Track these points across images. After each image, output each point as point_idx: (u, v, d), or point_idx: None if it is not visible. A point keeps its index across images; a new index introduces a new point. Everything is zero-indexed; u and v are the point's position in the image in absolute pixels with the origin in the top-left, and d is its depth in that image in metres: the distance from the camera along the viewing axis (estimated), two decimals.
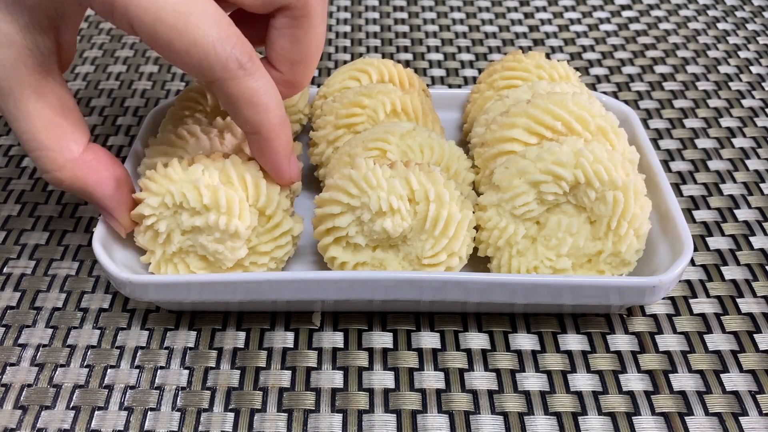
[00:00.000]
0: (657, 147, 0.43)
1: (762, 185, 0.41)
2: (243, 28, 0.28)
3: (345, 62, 0.50)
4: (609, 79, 0.50)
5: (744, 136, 0.44)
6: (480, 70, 0.50)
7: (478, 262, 0.33)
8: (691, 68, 0.50)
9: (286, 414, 0.29)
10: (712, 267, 0.36)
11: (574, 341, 0.32)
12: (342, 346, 0.32)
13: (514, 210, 0.32)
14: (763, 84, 0.49)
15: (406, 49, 0.53)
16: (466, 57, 0.52)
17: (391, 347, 0.32)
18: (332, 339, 0.32)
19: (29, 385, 0.30)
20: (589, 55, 0.52)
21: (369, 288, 0.30)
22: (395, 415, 0.29)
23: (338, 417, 0.29)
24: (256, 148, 0.30)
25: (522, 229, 0.32)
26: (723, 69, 0.50)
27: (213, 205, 0.29)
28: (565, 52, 0.52)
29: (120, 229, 0.31)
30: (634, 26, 0.55)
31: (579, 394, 0.30)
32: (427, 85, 0.48)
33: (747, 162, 0.42)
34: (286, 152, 0.30)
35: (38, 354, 0.32)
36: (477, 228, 0.33)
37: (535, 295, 0.30)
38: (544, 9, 0.58)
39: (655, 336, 0.33)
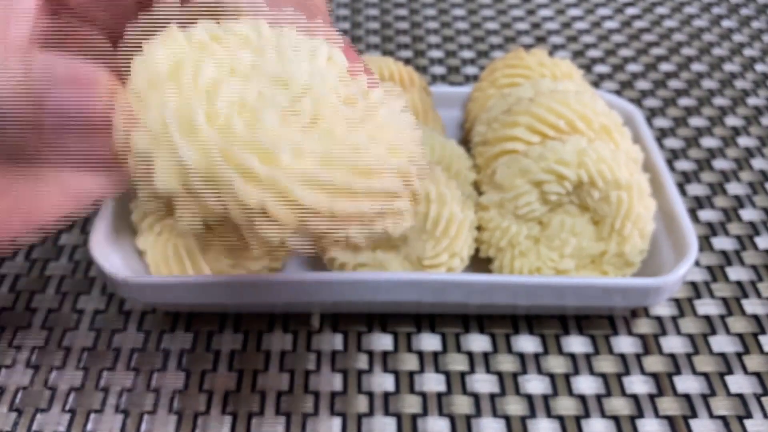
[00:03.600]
0: (661, 146, 0.43)
1: (767, 185, 0.40)
2: None
3: None
4: (612, 77, 0.49)
5: (749, 135, 0.44)
6: (482, 68, 0.50)
7: (479, 263, 0.33)
8: (696, 66, 0.50)
9: (284, 417, 0.29)
10: (716, 268, 0.36)
11: (577, 343, 0.32)
12: (341, 349, 0.32)
13: (516, 210, 0.31)
14: None
15: (406, 47, 0.52)
16: (467, 54, 0.51)
17: (392, 350, 0.32)
18: (331, 341, 0.32)
19: (24, 388, 0.30)
20: (593, 53, 0.52)
21: (369, 289, 0.30)
22: (395, 418, 0.29)
23: (338, 420, 0.29)
24: None
25: (524, 230, 0.32)
26: (727, 67, 0.50)
27: None
28: (568, 49, 0.52)
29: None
30: (637, 24, 0.55)
31: (582, 397, 0.30)
32: (428, 83, 0.48)
33: (752, 161, 0.42)
34: None
35: (33, 356, 0.31)
36: (479, 228, 0.33)
37: (538, 297, 0.30)
38: (547, 6, 0.57)
39: (659, 338, 0.32)
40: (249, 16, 0.19)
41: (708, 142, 0.43)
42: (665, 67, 0.50)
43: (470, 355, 0.32)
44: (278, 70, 0.18)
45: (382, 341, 0.32)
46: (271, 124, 0.16)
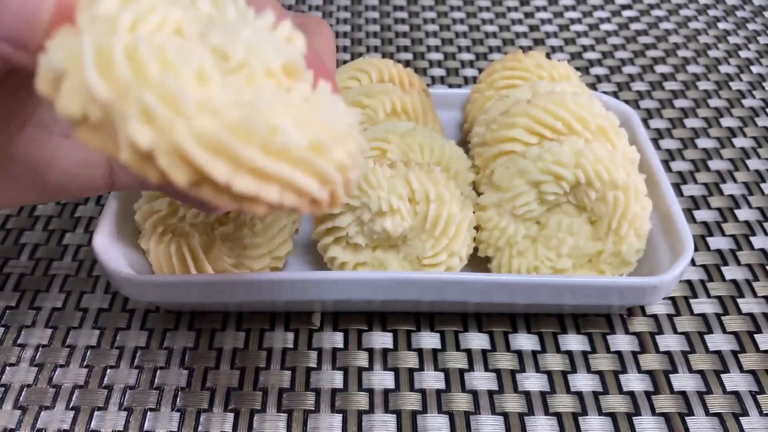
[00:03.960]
0: (657, 147, 0.43)
1: (762, 185, 0.41)
2: None
3: (345, 62, 0.50)
4: (609, 78, 0.49)
5: (744, 135, 0.44)
6: (480, 70, 0.50)
7: (478, 262, 0.33)
8: (692, 68, 0.50)
9: (285, 414, 0.29)
10: (712, 267, 0.36)
11: (574, 341, 0.32)
12: (342, 347, 0.32)
13: (514, 210, 0.32)
14: (764, 84, 0.49)
15: (406, 49, 0.53)
16: (466, 56, 0.52)
17: (391, 347, 0.32)
18: (332, 339, 0.32)
19: (29, 386, 0.30)
20: (590, 55, 0.52)
21: (369, 288, 0.30)
22: (395, 415, 0.29)
23: (338, 417, 0.29)
24: None
25: (522, 229, 0.32)
26: (723, 69, 0.50)
27: None
28: (565, 51, 0.52)
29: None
30: (634, 26, 0.55)
31: (579, 395, 0.30)
32: (427, 85, 0.48)
33: (747, 162, 0.42)
34: None
35: (38, 354, 0.32)
36: (477, 228, 0.33)
37: (536, 296, 0.30)
38: (545, 8, 0.57)
39: (656, 336, 0.33)
40: None
41: (704, 142, 0.44)
42: (662, 68, 0.50)
43: (469, 353, 0.32)
44: (224, 30, 0.17)
45: (382, 339, 0.32)
46: (188, 77, 0.15)
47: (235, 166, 0.15)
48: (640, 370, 0.31)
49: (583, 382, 0.31)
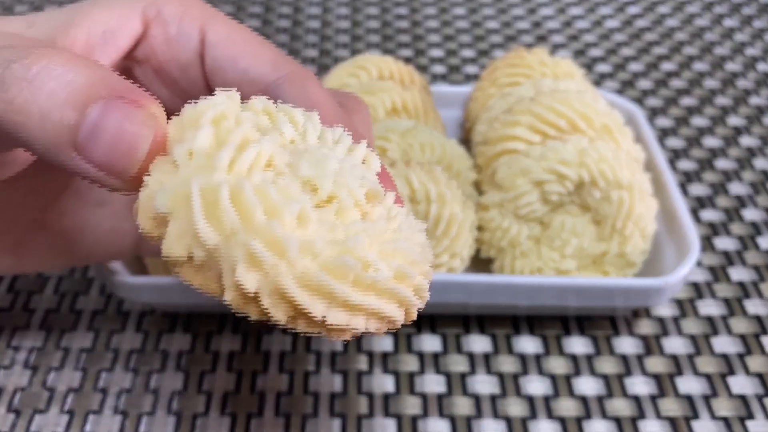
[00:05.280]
0: (662, 146, 0.43)
1: None
2: None
3: (344, 59, 0.50)
4: (614, 76, 0.49)
5: (751, 134, 0.44)
6: (482, 67, 0.50)
7: (480, 263, 0.33)
8: (697, 66, 0.50)
9: (283, 419, 0.29)
10: (718, 268, 0.36)
11: (578, 344, 0.32)
12: (341, 350, 0.32)
13: (517, 210, 0.31)
14: None
15: (407, 46, 0.52)
16: (468, 54, 0.51)
17: (392, 350, 0.32)
18: (331, 342, 0.32)
19: (22, 389, 0.30)
20: (594, 52, 0.51)
21: None
22: (396, 420, 0.29)
23: (337, 422, 0.29)
24: None
25: (525, 230, 0.32)
26: (729, 67, 0.50)
27: None
28: (569, 48, 0.52)
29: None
30: (639, 23, 0.55)
31: (583, 398, 0.30)
32: (428, 83, 0.48)
33: (754, 161, 0.42)
34: None
35: (32, 357, 0.31)
36: (479, 228, 0.32)
37: (539, 297, 0.30)
38: (548, 5, 0.57)
39: (661, 338, 0.32)
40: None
41: (710, 141, 0.43)
42: (667, 66, 0.50)
43: (471, 356, 0.31)
44: (312, 161, 0.18)
45: (382, 342, 0.32)
46: (290, 221, 0.16)
47: (330, 301, 0.16)
48: (644, 373, 0.31)
49: (587, 385, 0.30)
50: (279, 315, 0.16)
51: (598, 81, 0.48)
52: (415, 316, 0.18)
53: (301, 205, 0.16)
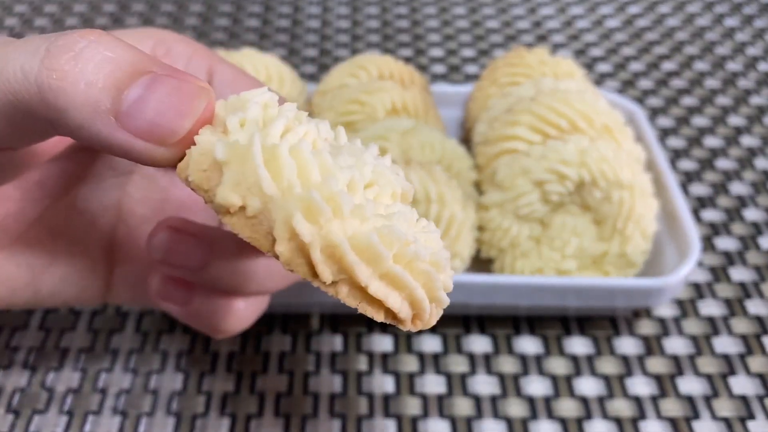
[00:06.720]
0: (663, 145, 0.43)
1: None
2: None
3: (344, 59, 0.50)
4: (614, 76, 0.49)
5: (751, 134, 0.44)
6: (482, 67, 0.50)
7: (480, 263, 0.33)
8: (698, 65, 0.50)
9: (283, 420, 0.29)
10: (719, 268, 0.35)
11: (579, 344, 0.32)
12: (341, 350, 0.31)
13: (517, 210, 0.31)
14: None
15: (407, 45, 0.52)
16: (468, 53, 0.51)
17: (392, 351, 0.31)
18: (331, 342, 0.32)
19: (21, 389, 0.30)
20: (594, 52, 0.51)
21: None
22: (396, 420, 0.29)
23: (337, 422, 0.29)
24: None
25: (526, 230, 0.31)
26: (730, 66, 0.50)
27: None
28: (569, 48, 0.52)
29: None
30: (639, 22, 0.55)
31: (584, 399, 0.30)
32: (429, 82, 0.48)
33: (755, 161, 0.42)
34: None
35: (30, 357, 0.31)
36: (479, 229, 0.32)
37: (539, 298, 0.30)
38: (548, 4, 0.57)
39: (662, 339, 0.32)
40: None
41: (710, 141, 0.43)
42: (667, 66, 0.50)
43: (471, 357, 0.31)
44: (351, 152, 0.18)
45: (382, 342, 0.32)
46: (342, 184, 0.17)
47: (374, 269, 0.16)
48: (645, 374, 0.31)
49: (588, 385, 0.30)
50: (326, 273, 0.16)
51: (599, 81, 0.48)
52: (433, 321, 0.18)
53: (353, 173, 0.17)
